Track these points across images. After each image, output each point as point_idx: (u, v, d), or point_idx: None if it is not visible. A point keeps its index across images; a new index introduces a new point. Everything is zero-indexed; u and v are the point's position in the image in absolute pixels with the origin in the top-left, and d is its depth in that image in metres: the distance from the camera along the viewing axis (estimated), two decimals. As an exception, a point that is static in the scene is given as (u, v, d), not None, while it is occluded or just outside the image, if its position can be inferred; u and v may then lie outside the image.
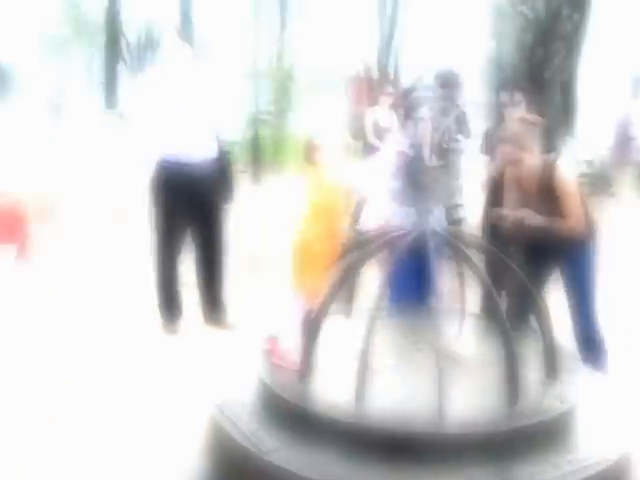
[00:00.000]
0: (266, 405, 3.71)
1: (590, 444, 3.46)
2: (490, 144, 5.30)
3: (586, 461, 3.31)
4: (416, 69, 21.90)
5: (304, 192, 3.92)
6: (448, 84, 6.15)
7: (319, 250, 3.78)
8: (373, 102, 7.71)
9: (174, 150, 5.86)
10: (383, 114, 11.33)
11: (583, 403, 3.65)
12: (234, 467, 3.52)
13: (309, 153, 3.93)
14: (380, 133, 10.77)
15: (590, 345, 4.64)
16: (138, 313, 6.39)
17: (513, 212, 4.51)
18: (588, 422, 3.68)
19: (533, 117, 4.53)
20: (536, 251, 4.54)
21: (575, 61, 13.42)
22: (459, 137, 4.26)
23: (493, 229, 5.03)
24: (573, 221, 4.45)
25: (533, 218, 4.43)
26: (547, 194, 4.46)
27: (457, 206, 7.20)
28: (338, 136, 3.90)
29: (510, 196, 4.63)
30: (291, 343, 3.87)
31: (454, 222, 6.84)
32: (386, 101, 11.49)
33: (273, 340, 3.97)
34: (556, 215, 4.42)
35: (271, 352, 3.93)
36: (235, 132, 18.47)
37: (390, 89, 12.36)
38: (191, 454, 4.05)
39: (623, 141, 14.87)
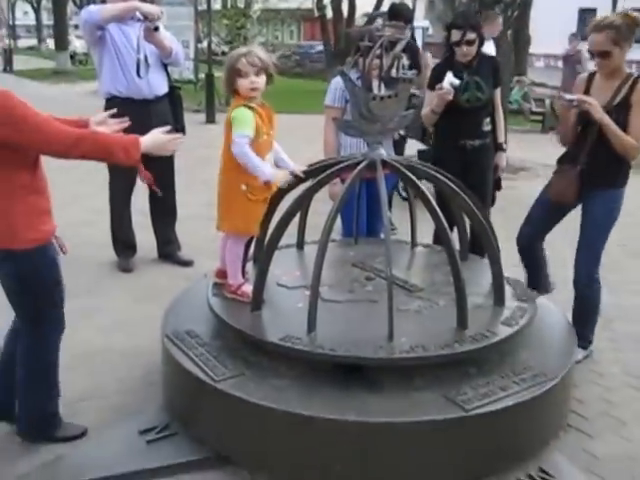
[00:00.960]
0: (218, 335, 3.74)
1: (536, 365, 3.56)
2: (437, 80, 5.19)
3: (532, 381, 3.41)
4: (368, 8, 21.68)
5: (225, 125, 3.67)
6: (399, 15, 6.11)
7: (238, 186, 3.64)
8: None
9: (124, 87, 5.77)
10: None
11: (529, 327, 3.73)
12: (187, 396, 3.57)
13: (230, 78, 3.63)
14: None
15: (584, 300, 4.52)
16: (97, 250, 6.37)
17: (580, 96, 4.24)
18: (534, 344, 3.78)
19: (637, 16, 4.30)
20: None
21: (527, -2, 13.39)
22: (409, 70, 4.18)
23: (441, 159, 5.05)
24: (635, 139, 4.19)
25: (599, 112, 4.15)
26: (621, 103, 4.22)
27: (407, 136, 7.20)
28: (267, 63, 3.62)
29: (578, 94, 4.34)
30: (233, 275, 3.87)
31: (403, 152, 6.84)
32: None
33: (223, 273, 3.97)
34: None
35: (222, 285, 3.94)
36: (189, 72, 18.27)
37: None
38: (146, 385, 4.09)
39: (572, 77, 14.88)
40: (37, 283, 3.34)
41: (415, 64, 6.35)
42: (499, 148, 5.50)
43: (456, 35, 5.13)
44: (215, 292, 3.92)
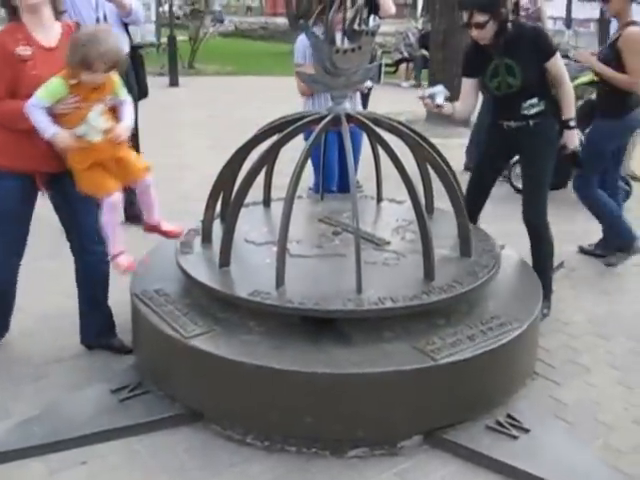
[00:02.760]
0: (187, 293, 3.74)
1: (502, 314, 3.61)
2: (468, 66, 4.65)
3: (499, 330, 3.46)
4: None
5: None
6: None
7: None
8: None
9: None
10: None
11: (495, 277, 3.78)
12: (158, 353, 3.57)
13: (76, 64, 3.38)
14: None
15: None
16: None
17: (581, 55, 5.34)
18: (500, 294, 3.83)
19: None
20: None
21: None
22: (372, 19, 4.12)
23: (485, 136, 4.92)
24: (634, 77, 5.04)
25: (598, 65, 5.17)
26: (615, 51, 5.08)
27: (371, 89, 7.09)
28: None
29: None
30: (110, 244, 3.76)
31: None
32: None
33: (149, 226, 4.06)
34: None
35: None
36: (151, 35, 18.01)
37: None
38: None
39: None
40: None
41: (376, 8, 6.15)
42: (565, 126, 4.49)
43: (464, 16, 4.26)
44: (183, 250, 3.90)
